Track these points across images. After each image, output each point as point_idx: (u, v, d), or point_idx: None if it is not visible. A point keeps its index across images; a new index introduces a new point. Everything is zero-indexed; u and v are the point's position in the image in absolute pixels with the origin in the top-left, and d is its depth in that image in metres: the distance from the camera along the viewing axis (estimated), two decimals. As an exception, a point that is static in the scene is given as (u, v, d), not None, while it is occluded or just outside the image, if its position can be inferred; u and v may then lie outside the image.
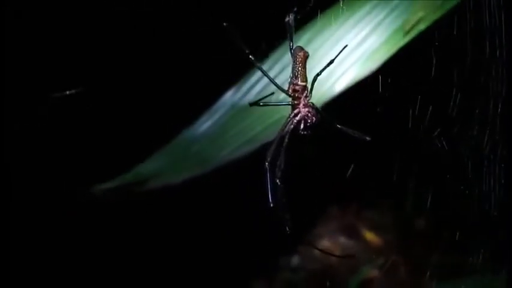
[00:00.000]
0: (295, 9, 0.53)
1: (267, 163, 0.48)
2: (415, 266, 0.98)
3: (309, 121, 0.50)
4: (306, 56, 0.52)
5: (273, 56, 0.72)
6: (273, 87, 0.77)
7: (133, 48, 0.78)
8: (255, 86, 0.77)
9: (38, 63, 0.78)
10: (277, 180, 0.48)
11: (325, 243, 1.03)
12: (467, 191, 0.74)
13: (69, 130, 0.78)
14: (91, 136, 0.79)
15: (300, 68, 0.52)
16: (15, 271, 0.79)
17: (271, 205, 0.47)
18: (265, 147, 0.74)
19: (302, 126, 0.50)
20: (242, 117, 0.77)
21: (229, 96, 0.78)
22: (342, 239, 1.04)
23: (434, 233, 0.97)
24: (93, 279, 0.83)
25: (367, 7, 0.75)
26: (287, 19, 0.53)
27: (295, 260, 1.02)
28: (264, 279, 1.00)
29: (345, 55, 0.76)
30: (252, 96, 0.77)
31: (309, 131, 0.50)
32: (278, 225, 0.50)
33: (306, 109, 0.50)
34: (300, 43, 0.75)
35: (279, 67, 0.72)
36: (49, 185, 0.77)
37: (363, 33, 0.76)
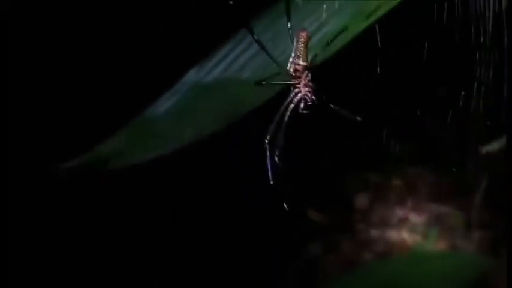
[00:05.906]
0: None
1: (266, 141, 0.49)
2: (357, 242, 1.05)
3: (309, 100, 0.52)
4: (309, 37, 0.54)
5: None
6: (234, 67, 0.78)
7: (98, 26, 0.74)
8: (218, 64, 0.76)
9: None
10: (276, 158, 0.49)
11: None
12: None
13: (29, 108, 0.73)
14: (51, 115, 0.74)
15: (302, 49, 0.53)
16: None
17: (271, 182, 0.48)
18: (231, 127, 0.74)
19: (302, 105, 0.52)
20: (206, 96, 0.77)
21: (192, 75, 0.76)
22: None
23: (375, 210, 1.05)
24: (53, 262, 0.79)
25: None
26: None
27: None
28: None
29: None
30: (216, 74, 0.76)
31: (309, 110, 0.52)
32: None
33: (307, 88, 0.52)
34: (258, 29, 0.75)
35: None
36: (8, 164, 0.71)
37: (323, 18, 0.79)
